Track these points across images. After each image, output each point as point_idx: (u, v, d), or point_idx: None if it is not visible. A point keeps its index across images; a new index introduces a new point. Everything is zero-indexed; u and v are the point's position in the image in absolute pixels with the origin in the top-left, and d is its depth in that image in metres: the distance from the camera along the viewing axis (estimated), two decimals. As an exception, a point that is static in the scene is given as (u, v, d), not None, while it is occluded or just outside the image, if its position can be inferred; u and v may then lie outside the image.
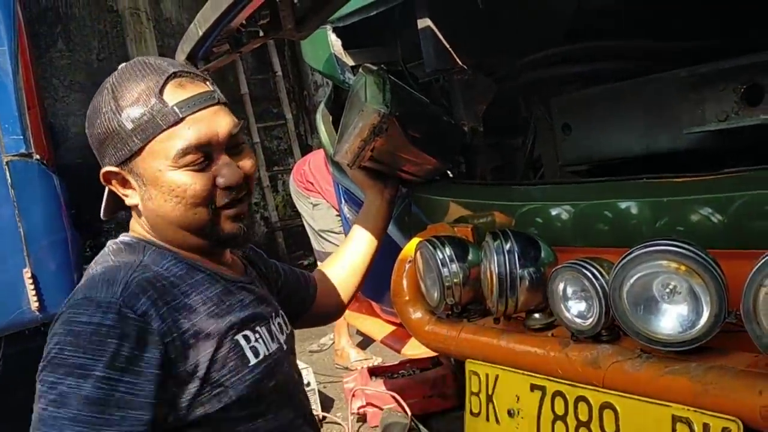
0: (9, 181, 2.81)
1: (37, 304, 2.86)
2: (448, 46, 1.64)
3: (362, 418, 2.93)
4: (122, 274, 1.03)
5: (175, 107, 1.05)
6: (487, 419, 1.28)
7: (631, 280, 1.01)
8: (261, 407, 1.12)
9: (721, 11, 1.45)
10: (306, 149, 7.75)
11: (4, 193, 2.81)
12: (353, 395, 2.87)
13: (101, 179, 1.12)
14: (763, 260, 0.85)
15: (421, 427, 2.60)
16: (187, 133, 1.05)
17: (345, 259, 1.59)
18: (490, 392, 1.28)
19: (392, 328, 2.42)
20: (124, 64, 1.13)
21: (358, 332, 4.09)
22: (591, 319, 1.11)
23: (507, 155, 1.89)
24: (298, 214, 4.27)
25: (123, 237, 1.16)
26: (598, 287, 1.07)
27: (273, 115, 8.28)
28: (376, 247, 1.60)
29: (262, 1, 1.26)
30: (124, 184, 1.12)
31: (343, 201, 2.30)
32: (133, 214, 1.17)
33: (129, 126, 1.05)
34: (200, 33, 1.42)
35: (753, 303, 0.86)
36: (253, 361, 1.11)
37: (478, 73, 1.71)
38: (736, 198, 1.05)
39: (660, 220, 1.16)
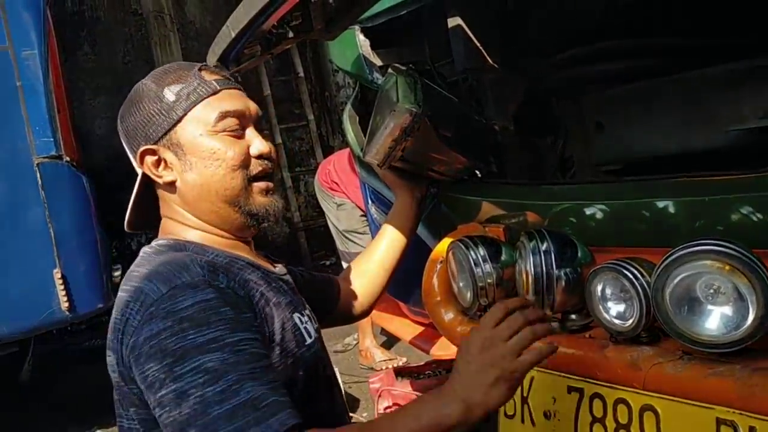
0: (39, 182, 2.84)
1: (67, 304, 2.89)
2: (478, 45, 1.63)
3: (389, 419, 2.92)
4: (189, 261, 1.05)
5: (213, 81, 1.16)
6: (522, 421, 1.27)
7: (675, 281, 0.99)
8: (317, 391, 1.15)
9: (755, 7, 1.43)
10: (328, 150, 7.77)
11: (35, 194, 2.85)
12: (379, 395, 2.87)
13: (137, 162, 1.16)
14: (814, 260, 0.83)
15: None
16: (224, 102, 1.15)
17: (373, 258, 1.59)
18: (525, 394, 1.27)
19: (420, 328, 2.41)
20: (170, 66, 1.22)
21: (383, 332, 4.09)
22: (631, 320, 1.09)
23: (538, 154, 1.87)
24: (320, 215, 4.26)
25: (159, 241, 1.17)
26: (639, 288, 1.06)
27: (295, 116, 8.31)
28: (405, 246, 1.59)
29: (295, 2, 1.27)
30: (158, 163, 1.15)
31: (370, 201, 2.30)
32: (165, 208, 1.20)
33: (172, 98, 1.13)
34: (233, 35, 1.43)
35: (803, 304, 0.84)
36: (308, 340, 1.16)
37: (508, 73, 1.70)
38: (780, 196, 1.03)
39: (700, 220, 1.14)
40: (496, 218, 1.54)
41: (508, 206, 1.52)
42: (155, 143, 1.14)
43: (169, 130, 1.13)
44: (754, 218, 1.07)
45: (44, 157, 2.85)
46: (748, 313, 0.95)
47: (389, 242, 1.59)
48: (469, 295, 1.40)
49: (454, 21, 1.62)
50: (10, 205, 2.87)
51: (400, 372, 2.98)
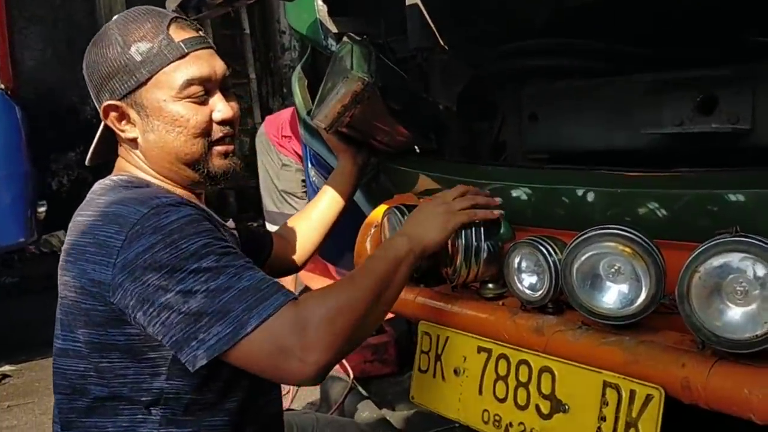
0: (-30, 108, 2.77)
1: (-11, 233, 2.85)
2: (432, 25, 1.71)
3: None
4: (160, 192, 1.12)
5: (180, 43, 1.15)
6: (434, 376, 1.38)
7: (582, 259, 1.12)
8: None
9: (688, 23, 1.57)
10: (267, 111, 7.71)
11: (-36, 119, 2.77)
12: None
13: (101, 114, 1.18)
14: (700, 249, 0.97)
15: (360, 388, 2.71)
16: (191, 67, 1.15)
17: (311, 216, 1.66)
18: (439, 352, 1.38)
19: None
20: (122, 13, 1.21)
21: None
22: (541, 292, 1.22)
23: (475, 137, 1.98)
24: (252, 175, 4.15)
25: (120, 176, 1.21)
26: (551, 263, 1.18)
27: (235, 73, 8.18)
28: (343, 208, 1.68)
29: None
30: (122, 118, 1.18)
31: (310, 164, 2.37)
32: (124, 152, 1.23)
33: (138, 58, 1.13)
34: (198, -17, 1.46)
35: (687, 286, 0.98)
36: None
37: (456, 56, 1.79)
38: (680, 195, 1.17)
39: (611, 209, 1.27)
40: (431, 191, 1.64)
41: (443, 181, 1.62)
42: (119, 99, 1.16)
43: (134, 90, 1.14)
44: (658, 212, 1.21)
45: (-23, 82, 2.78)
46: (641, 291, 1.08)
47: (328, 203, 1.66)
48: (398, 258, 1.49)
49: (411, 0, 1.69)
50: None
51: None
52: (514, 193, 1.46)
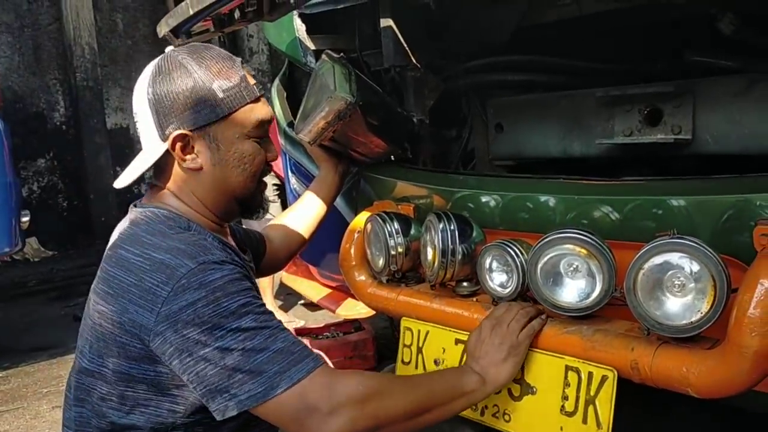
0: (-47, 122, 2.83)
1: (-26, 245, 2.91)
2: (404, 44, 1.86)
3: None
4: (205, 242, 1.18)
5: (254, 86, 1.27)
6: (416, 367, 1.53)
7: (545, 259, 1.27)
8: None
9: (636, 42, 1.74)
10: (237, 114, 7.74)
11: (-52, 133, 2.83)
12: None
13: (169, 142, 1.22)
14: (645, 249, 1.12)
15: (330, 363, 2.83)
16: (262, 109, 1.27)
17: (294, 219, 1.76)
18: (420, 345, 1.53)
19: (328, 290, 2.64)
20: (188, 46, 1.28)
21: (280, 295, 4.28)
22: (510, 288, 1.37)
23: (446, 146, 2.13)
24: None
25: (158, 208, 1.25)
26: (518, 263, 1.33)
27: (205, 76, 8.20)
28: (325, 214, 1.80)
29: (255, -6, 1.44)
30: (186, 148, 1.23)
31: (290, 172, 2.49)
32: (172, 181, 1.27)
33: (220, 94, 1.21)
34: (191, 12, 1.58)
35: (633, 281, 1.14)
36: None
37: (428, 72, 1.94)
38: (629, 201, 1.33)
39: (570, 213, 1.43)
40: (408, 198, 1.79)
41: (419, 189, 1.77)
42: (191, 130, 1.21)
43: (210, 123, 1.22)
44: (611, 216, 1.36)
45: (-40, 97, 2.84)
46: (596, 287, 1.24)
47: (310, 207, 1.78)
48: (381, 261, 1.64)
49: (385, 21, 1.83)
50: None
51: (300, 332, 3.21)
52: (484, 199, 1.61)
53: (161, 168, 1.28)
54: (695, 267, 1.09)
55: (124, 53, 7.97)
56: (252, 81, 1.28)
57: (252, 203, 1.33)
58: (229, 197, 1.29)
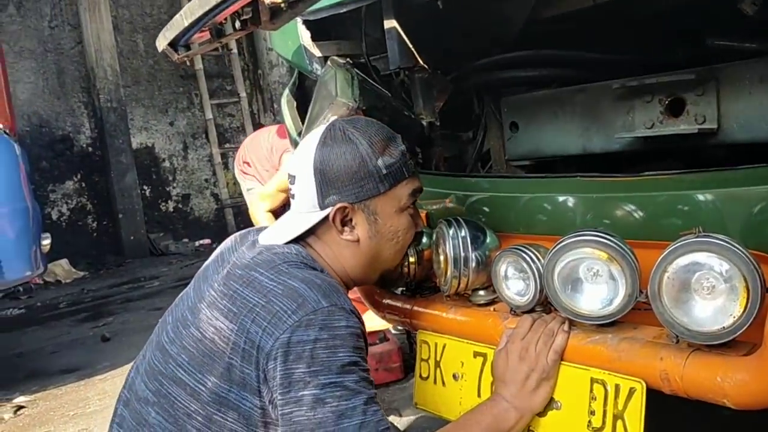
0: (-30, 149, 2.85)
1: (-5, 271, 2.92)
2: (411, 45, 1.79)
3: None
4: (340, 288, 1.20)
5: (410, 162, 1.32)
6: (435, 382, 1.46)
7: (562, 264, 1.19)
8: None
9: (653, 30, 1.65)
10: (258, 127, 7.80)
11: (-35, 161, 2.85)
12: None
13: (332, 212, 1.25)
14: (668, 250, 1.04)
15: None
16: (416, 182, 1.33)
17: None
18: (438, 359, 1.45)
19: (346, 303, 2.57)
20: (353, 118, 1.34)
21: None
22: (527, 296, 1.29)
23: (458, 147, 2.06)
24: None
25: (300, 251, 1.26)
26: (535, 269, 1.25)
27: (226, 92, 8.30)
28: None
29: (246, 1, 1.39)
30: (344, 220, 1.27)
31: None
32: (323, 244, 1.30)
33: (384, 171, 1.26)
34: (185, 23, 1.53)
35: (658, 286, 1.05)
36: None
37: (436, 72, 1.87)
38: (652, 198, 1.24)
39: (589, 213, 1.35)
40: (420, 205, 1.71)
41: (430, 194, 1.70)
42: (352, 203, 1.25)
43: (371, 197, 1.26)
44: (632, 214, 1.28)
45: (-24, 124, 2.85)
46: (619, 292, 1.15)
47: None
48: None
49: (389, 23, 1.77)
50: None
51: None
52: (498, 202, 1.53)
53: (310, 231, 1.30)
54: (725, 266, 1.01)
55: (146, 73, 8.05)
56: (407, 155, 1.31)
57: (392, 275, 1.37)
58: (375, 269, 1.33)
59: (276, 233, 1.30)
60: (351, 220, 1.27)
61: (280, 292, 1.14)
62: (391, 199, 1.28)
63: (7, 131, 2.95)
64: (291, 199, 1.32)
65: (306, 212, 1.28)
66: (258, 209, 3.50)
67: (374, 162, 1.25)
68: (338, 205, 1.25)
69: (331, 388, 1.08)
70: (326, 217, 1.26)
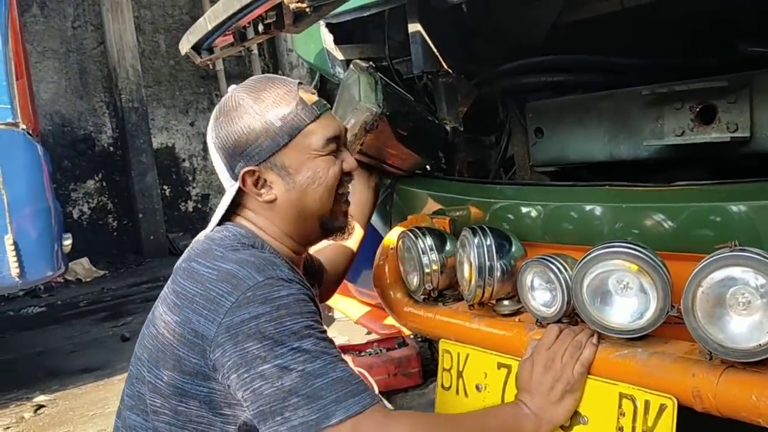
0: (-6, 149, 2.87)
1: (17, 270, 2.93)
2: (435, 50, 1.77)
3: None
4: (277, 260, 1.17)
5: (313, 106, 1.24)
6: (457, 393, 1.43)
7: (591, 276, 1.16)
8: None
9: (683, 35, 1.61)
10: (278, 128, 7.80)
11: (-11, 160, 2.87)
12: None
13: (240, 181, 1.22)
14: (702, 264, 1.01)
15: (385, 402, 2.75)
16: (326, 126, 1.25)
17: (336, 244, 1.70)
18: (460, 369, 1.43)
19: (367, 308, 2.56)
20: (243, 83, 1.28)
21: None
22: (554, 308, 1.26)
23: (482, 151, 2.03)
24: None
25: (237, 228, 1.24)
26: (562, 280, 1.22)
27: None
28: (364, 233, 1.72)
29: (271, 5, 1.38)
30: (258, 182, 1.23)
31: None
32: (251, 215, 1.27)
33: (278, 123, 1.21)
34: (209, 27, 1.52)
35: (691, 301, 1.02)
36: None
37: (461, 77, 1.84)
38: (684, 208, 1.21)
39: (618, 223, 1.32)
40: (443, 211, 1.69)
41: (454, 201, 1.68)
42: (257, 164, 1.21)
43: (274, 153, 1.21)
44: (662, 225, 1.25)
45: (0, 124, 2.87)
46: (650, 305, 1.12)
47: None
48: (416, 280, 1.55)
49: (414, 27, 1.75)
50: (-37, 170, 2.88)
51: (343, 349, 3.13)
52: (524, 210, 1.51)
53: (240, 205, 1.28)
54: (761, 281, 0.98)
55: (167, 73, 8.10)
56: (312, 99, 1.25)
57: (333, 223, 1.30)
58: (309, 219, 1.27)
59: (213, 218, 1.29)
60: (265, 181, 1.23)
61: (215, 277, 1.12)
62: (299, 149, 1.22)
63: (30, 132, 2.97)
64: None
65: (228, 187, 1.26)
66: None
67: (265, 117, 1.20)
68: (243, 171, 1.21)
69: (292, 354, 1.05)
70: (243, 188, 1.24)
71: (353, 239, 1.68)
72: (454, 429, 1.15)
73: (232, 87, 1.29)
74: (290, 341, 1.06)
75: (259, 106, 1.21)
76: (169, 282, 1.24)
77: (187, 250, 1.28)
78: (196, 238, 1.30)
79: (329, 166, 1.25)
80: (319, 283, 1.59)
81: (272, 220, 1.26)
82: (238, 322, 1.07)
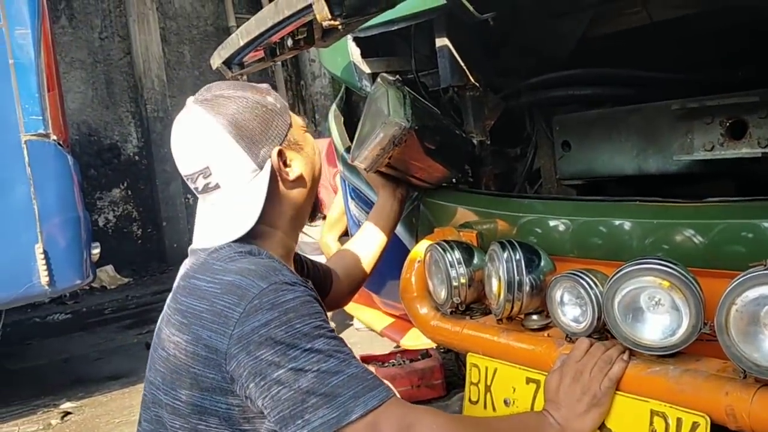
0: (26, 159, 2.92)
1: (46, 279, 2.97)
2: (462, 63, 1.78)
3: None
4: (278, 265, 1.19)
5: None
6: (485, 407, 1.43)
7: (623, 292, 1.16)
8: None
9: (712, 49, 1.61)
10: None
11: (21, 170, 2.92)
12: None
13: (276, 160, 1.25)
14: (736, 282, 1.00)
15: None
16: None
17: (356, 251, 1.72)
18: (488, 383, 1.43)
19: (391, 319, 2.56)
20: (213, 85, 1.30)
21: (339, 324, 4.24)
22: (584, 323, 1.26)
23: (509, 167, 2.03)
24: None
25: (241, 248, 1.23)
26: (593, 296, 1.22)
27: (269, 102, 8.36)
28: (386, 244, 1.74)
29: (302, 22, 1.40)
30: (285, 161, 1.28)
31: (349, 198, 2.44)
32: (276, 208, 1.29)
33: (278, 104, 1.30)
34: (241, 43, 1.55)
35: (725, 318, 1.01)
36: None
37: (487, 90, 1.85)
38: (716, 225, 1.20)
39: (648, 239, 1.31)
40: (470, 224, 1.69)
41: (481, 214, 1.68)
42: (280, 144, 1.27)
43: (288, 130, 1.29)
44: (693, 241, 1.24)
45: (32, 135, 2.92)
46: (682, 322, 1.11)
47: (371, 237, 1.73)
48: (443, 293, 1.55)
49: (441, 41, 1.76)
50: (-4, 179, 2.94)
51: (366, 360, 3.13)
52: (552, 224, 1.50)
53: None
54: (798, 300, 0.96)
55: (191, 84, 8.19)
56: None
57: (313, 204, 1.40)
58: (313, 195, 1.36)
59: (225, 228, 1.24)
60: (287, 159, 1.28)
61: (219, 290, 1.13)
62: (296, 125, 1.32)
63: (61, 143, 3.02)
64: (211, 194, 1.26)
65: (247, 183, 1.23)
66: (328, 239, 3.43)
67: (267, 102, 1.27)
68: (275, 152, 1.25)
69: (305, 356, 1.06)
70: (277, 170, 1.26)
71: (373, 248, 1.71)
72: (477, 427, 1.17)
73: (190, 99, 1.26)
74: (302, 343, 1.07)
75: (252, 96, 1.26)
76: (169, 302, 1.25)
77: (182, 268, 1.29)
78: (189, 250, 1.31)
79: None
80: (324, 289, 1.60)
81: (287, 202, 1.30)
82: (249, 332, 1.08)
